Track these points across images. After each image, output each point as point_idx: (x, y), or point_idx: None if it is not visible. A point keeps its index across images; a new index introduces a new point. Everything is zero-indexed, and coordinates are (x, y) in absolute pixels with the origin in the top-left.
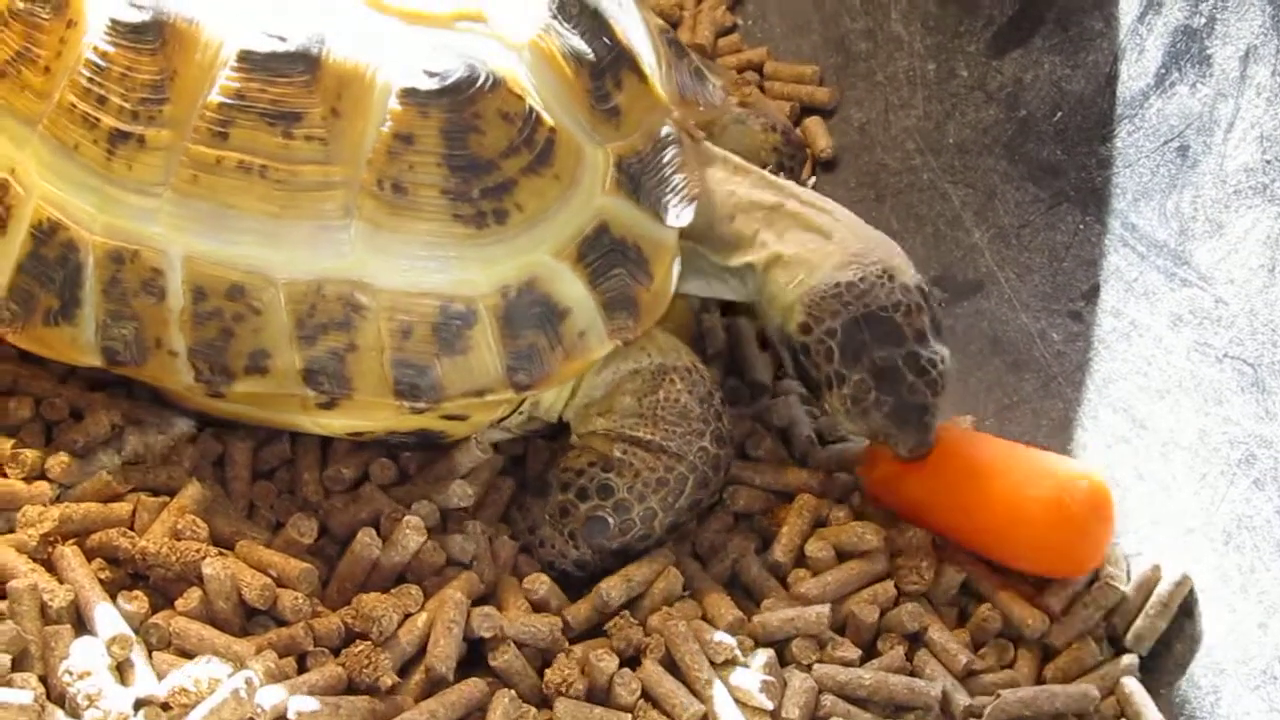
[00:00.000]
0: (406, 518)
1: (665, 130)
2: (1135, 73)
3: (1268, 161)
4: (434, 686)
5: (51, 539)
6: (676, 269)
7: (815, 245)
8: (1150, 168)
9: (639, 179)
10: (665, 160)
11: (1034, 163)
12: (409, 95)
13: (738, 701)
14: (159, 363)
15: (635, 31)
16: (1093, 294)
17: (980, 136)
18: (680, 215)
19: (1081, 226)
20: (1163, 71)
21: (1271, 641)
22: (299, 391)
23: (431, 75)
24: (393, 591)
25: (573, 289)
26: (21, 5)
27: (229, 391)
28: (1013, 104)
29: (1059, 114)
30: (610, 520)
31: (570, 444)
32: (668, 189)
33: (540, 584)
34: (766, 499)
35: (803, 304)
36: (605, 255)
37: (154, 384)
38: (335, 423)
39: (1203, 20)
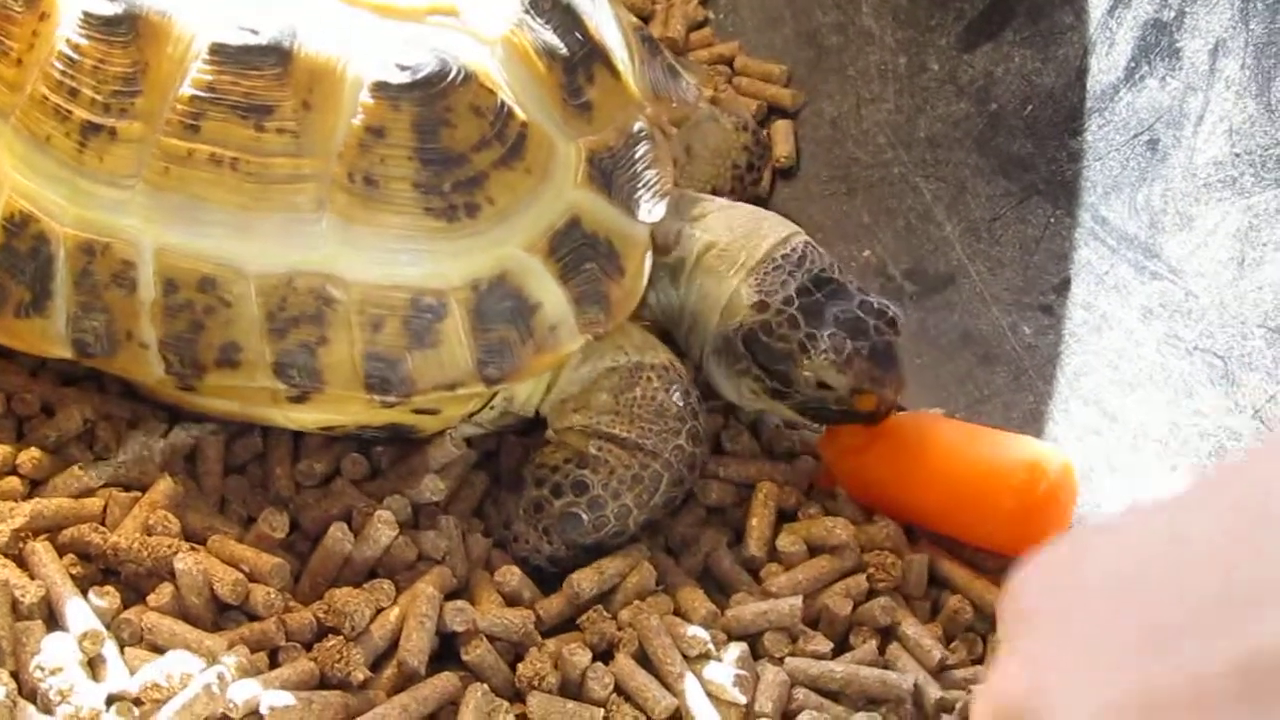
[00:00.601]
0: (378, 512)
1: (638, 126)
2: (1105, 66)
3: (1237, 155)
4: (406, 681)
5: (23, 535)
6: (648, 265)
7: (746, 230)
8: (1120, 161)
9: (611, 174)
10: (638, 156)
11: (1005, 156)
12: (380, 89)
13: (710, 695)
14: (130, 355)
15: (608, 27)
16: (1063, 287)
17: (951, 130)
18: (652, 211)
19: (1052, 220)
20: (1132, 65)
21: None
22: (270, 385)
23: (403, 69)
24: (365, 586)
25: (544, 283)
26: None
27: (200, 385)
28: (983, 98)
29: (1029, 108)
30: (584, 516)
31: (546, 439)
32: (640, 184)
33: (511, 576)
34: (738, 492)
35: (750, 285)
36: (577, 250)
37: (125, 377)
38: (306, 417)
39: (1172, 14)
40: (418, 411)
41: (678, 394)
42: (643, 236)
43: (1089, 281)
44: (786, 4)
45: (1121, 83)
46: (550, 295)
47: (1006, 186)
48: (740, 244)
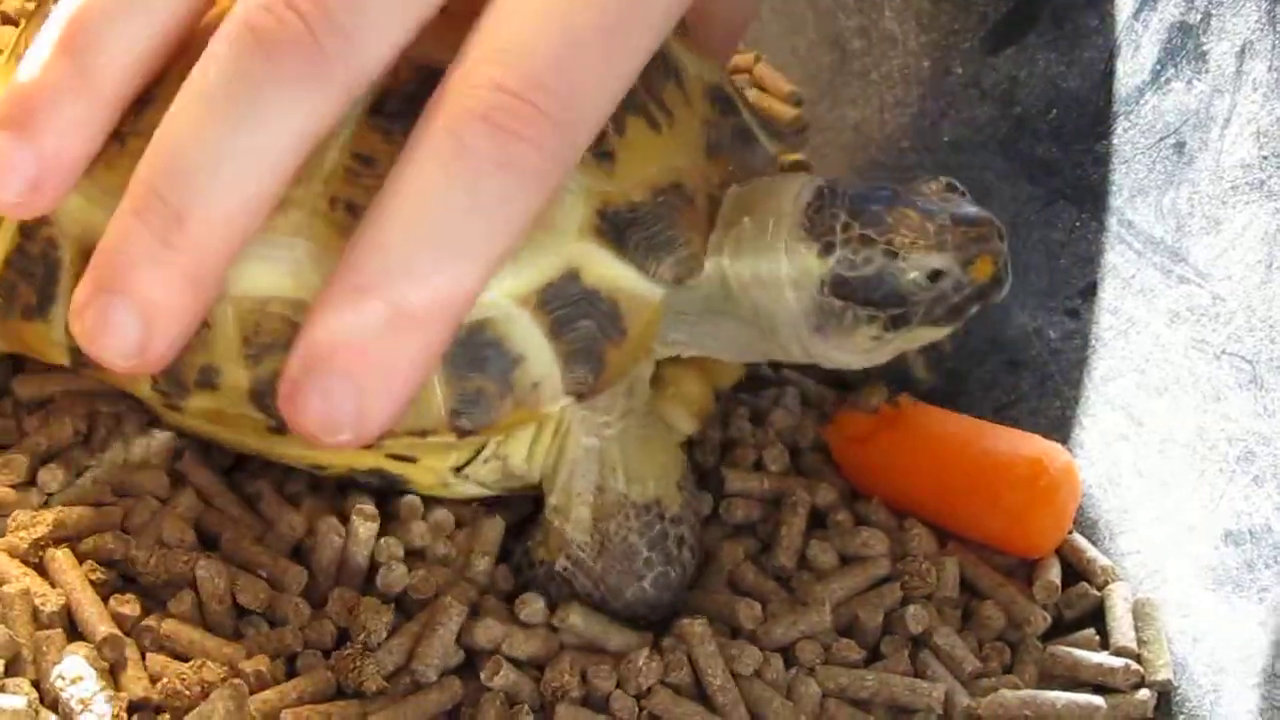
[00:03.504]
0: (357, 505)
1: (671, 183)
2: (1131, 69)
3: (1264, 157)
4: (417, 689)
5: (43, 543)
6: (657, 328)
7: (758, 200)
8: (1146, 164)
9: (625, 230)
10: (663, 214)
11: (1029, 160)
12: (375, 116)
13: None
14: None
15: (658, 78)
16: (1090, 291)
17: (975, 134)
18: (670, 273)
19: (1078, 224)
20: (1158, 68)
21: (1271, 639)
22: (249, 412)
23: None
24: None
25: (529, 337)
26: None
27: (185, 406)
28: (1008, 101)
29: (1054, 111)
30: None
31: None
32: (657, 244)
33: (535, 607)
34: (764, 509)
35: (800, 242)
36: (572, 305)
37: (118, 387)
38: (290, 451)
39: (1198, 16)
40: (395, 457)
41: (652, 539)
42: (653, 298)
43: (1115, 285)
44: (809, 8)
45: (1147, 86)
46: (536, 350)
47: (1031, 191)
48: (762, 214)
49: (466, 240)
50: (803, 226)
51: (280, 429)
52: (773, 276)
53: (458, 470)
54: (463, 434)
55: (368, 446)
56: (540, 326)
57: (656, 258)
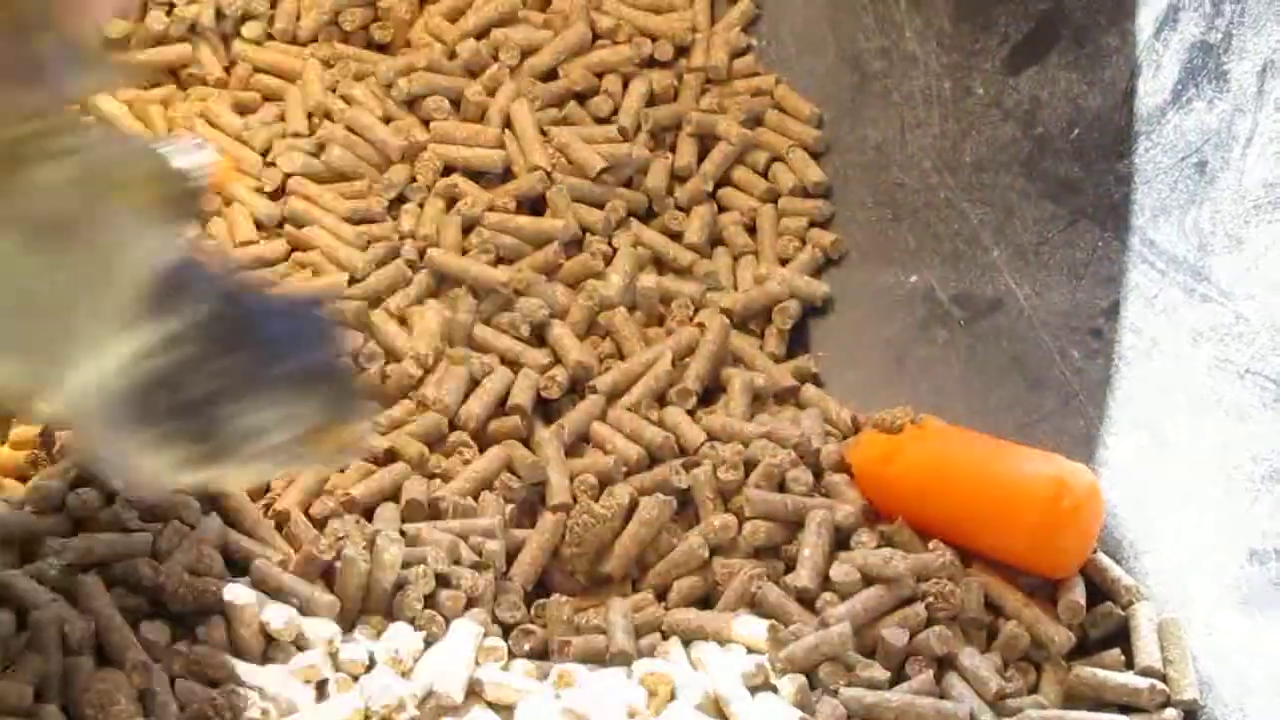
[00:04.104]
0: (383, 532)
1: None
2: (1152, 89)
3: None
4: (441, 712)
5: (73, 569)
6: None
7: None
8: (1168, 184)
9: None
10: None
11: (1052, 180)
12: None
13: None
14: None
15: None
16: (1113, 311)
17: (997, 154)
18: None
19: (1100, 243)
20: (1179, 87)
21: None
22: None
23: None
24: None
25: None
26: None
27: None
28: (1030, 121)
29: (1076, 131)
30: None
31: None
32: None
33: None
34: (788, 530)
35: (139, 319)
36: None
37: None
38: None
39: (1219, 36)
40: None
41: None
42: None
43: (1138, 305)
44: (830, 29)
45: (1169, 105)
46: None
47: (1054, 210)
48: (99, 241)
49: None
50: (149, 296)
51: None
52: (87, 333)
53: None
54: None
55: None
56: None
57: None
